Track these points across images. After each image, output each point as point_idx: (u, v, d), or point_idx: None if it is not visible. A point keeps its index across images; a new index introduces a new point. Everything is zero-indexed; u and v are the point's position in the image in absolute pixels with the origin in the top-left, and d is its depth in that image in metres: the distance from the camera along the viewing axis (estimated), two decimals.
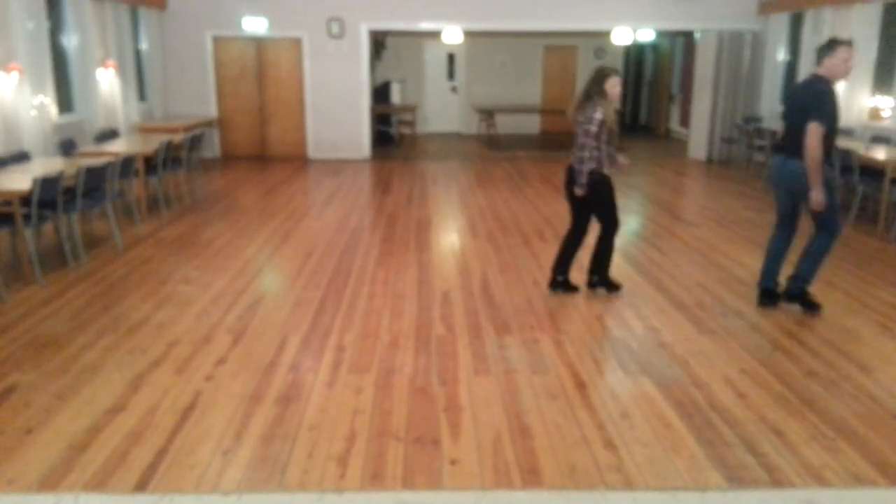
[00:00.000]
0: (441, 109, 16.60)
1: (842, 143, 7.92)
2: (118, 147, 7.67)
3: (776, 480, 2.88)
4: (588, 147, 4.69)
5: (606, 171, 4.77)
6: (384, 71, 15.33)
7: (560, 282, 5.14)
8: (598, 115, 4.64)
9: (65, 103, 8.84)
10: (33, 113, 7.72)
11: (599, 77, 4.72)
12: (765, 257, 4.91)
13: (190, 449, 3.07)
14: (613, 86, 4.67)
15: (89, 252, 6.14)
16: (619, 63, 16.62)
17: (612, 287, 5.13)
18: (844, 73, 4.45)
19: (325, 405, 3.47)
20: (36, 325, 4.47)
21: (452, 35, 12.33)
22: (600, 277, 5.12)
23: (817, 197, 4.41)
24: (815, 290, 5.36)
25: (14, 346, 4.15)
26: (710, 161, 12.01)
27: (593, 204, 4.90)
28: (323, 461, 2.99)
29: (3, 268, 5.68)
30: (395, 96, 14.74)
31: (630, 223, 7.55)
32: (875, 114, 9.28)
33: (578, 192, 4.83)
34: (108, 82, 9.58)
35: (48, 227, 6.33)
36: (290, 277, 5.60)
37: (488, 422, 3.33)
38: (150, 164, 7.61)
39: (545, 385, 3.71)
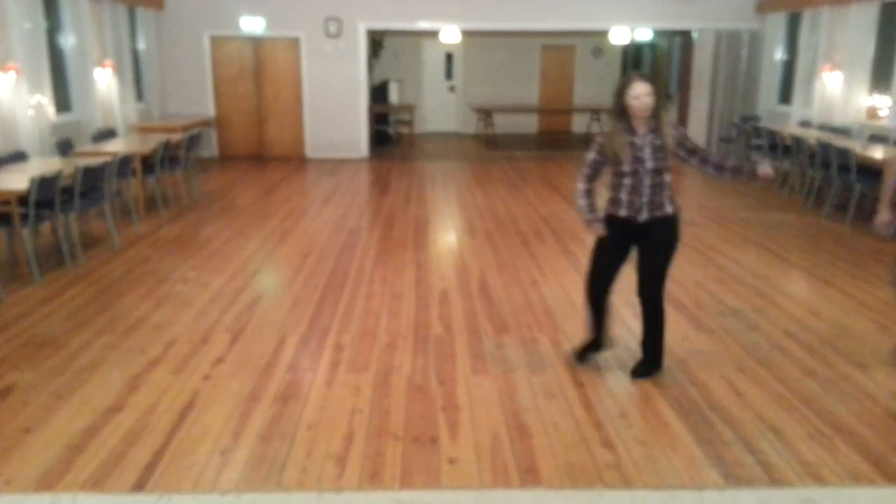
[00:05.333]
0: (439, 109, 16.60)
1: (839, 141, 7.94)
2: (116, 147, 7.66)
3: (774, 479, 2.88)
4: (580, 176, 3.70)
5: (613, 211, 3.64)
6: (382, 70, 15.33)
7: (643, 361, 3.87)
8: (599, 139, 3.62)
9: (62, 103, 8.82)
10: (30, 113, 7.71)
11: (619, 87, 3.51)
12: None
13: (188, 448, 3.07)
14: (636, 97, 3.43)
15: (87, 252, 6.13)
16: (616, 62, 16.65)
17: (580, 355, 3.96)
18: None
19: (323, 404, 3.47)
20: (33, 325, 4.47)
21: (450, 35, 12.33)
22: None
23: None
24: (814, 288, 5.38)
25: (12, 345, 4.15)
26: None
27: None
28: (321, 460, 2.99)
29: (1, 268, 5.67)
30: (393, 96, 14.74)
31: None
32: (872, 113, 9.30)
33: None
34: (105, 82, 9.56)
35: (46, 227, 6.33)
36: (288, 277, 5.60)
37: (486, 421, 3.33)
38: (148, 163, 7.60)
39: (543, 384, 3.71)
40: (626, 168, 3.50)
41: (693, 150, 3.60)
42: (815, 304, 4.96)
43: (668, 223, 3.60)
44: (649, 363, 3.81)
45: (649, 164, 3.49)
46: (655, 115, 3.49)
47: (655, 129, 3.51)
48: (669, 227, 3.61)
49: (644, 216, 3.56)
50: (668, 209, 3.58)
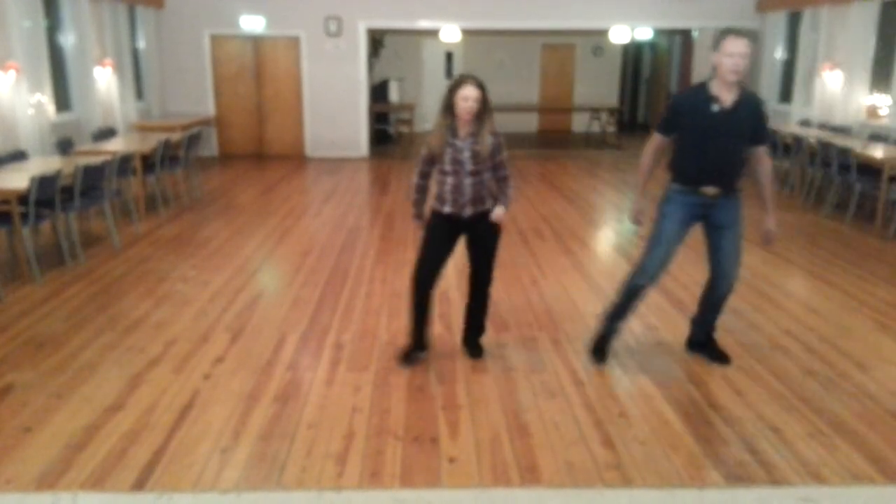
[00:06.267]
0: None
1: (840, 140, 7.94)
2: (116, 146, 7.65)
3: (774, 478, 2.88)
4: (415, 170, 3.83)
5: (438, 207, 3.74)
6: (382, 69, 15.32)
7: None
8: (428, 136, 3.71)
9: (62, 102, 8.82)
10: (31, 112, 7.71)
11: (451, 86, 3.58)
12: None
13: (188, 447, 3.07)
14: (465, 98, 3.50)
15: (87, 251, 6.13)
16: (617, 61, 16.63)
17: (405, 357, 3.95)
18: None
19: (323, 403, 3.48)
20: (33, 324, 4.47)
21: (451, 33, 12.32)
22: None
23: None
24: (814, 288, 5.38)
25: (12, 345, 4.15)
26: None
27: None
28: (321, 459, 2.99)
29: (1, 267, 5.67)
30: (394, 94, 14.73)
31: (627, 223, 7.54)
32: (873, 112, 9.30)
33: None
34: (105, 81, 9.56)
35: (46, 226, 6.32)
36: (288, 276, 5.60)
37: (486, 420, 3.33)
38: (148, 162, 7.59)
39: (543, 383, 3.71)
40: (446, 167, 3.64)
41: (497, 166, 3.69)
42: (814, 303, 4.96)
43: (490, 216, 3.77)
44: (479, 346, 4.05)
45: (468, 167, 3.62)
46: (479, 120, 3.58)
47: (476, 134, 3.60)
48: (491, 221, 3.78)
49: (468, 212, 3.70)
50: (489, 204, 3.74)
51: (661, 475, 2.90)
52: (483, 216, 3.74)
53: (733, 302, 4.92)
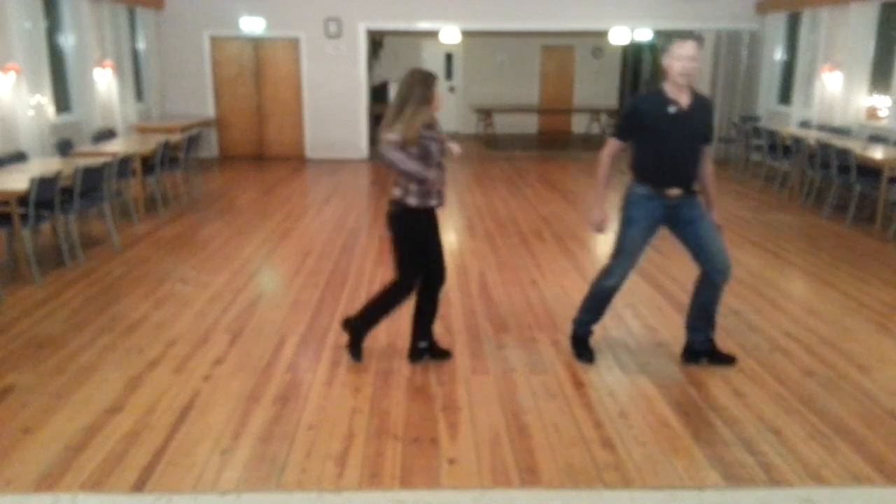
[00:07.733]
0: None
1: (839, 142, 7.94)
2: (115, 147, 7.66)
3: (774, 479, 2.88)
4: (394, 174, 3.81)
5: (413, 202, 3.69)
6: (382, 70, 15.32)
7: (425, 349, 4.00)
8: (395, 136, 3.77)
9: (62, 103, 8.83)
10: (30, 113, 7.71)
11: (428, 80, 3.80)
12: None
13: (188, 449, 3.07)
14: (440, 95, 3.78)
15: (87, 252, 6.13)
16: (616, 63, 16.65)
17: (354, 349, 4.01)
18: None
19: (323, 405, 3.47)
20: (33, 325, 4.47)
21: (450, 35, 12.33)
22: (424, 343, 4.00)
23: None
24: (814, 289, 5.38)
25: (11, 346, 4.15)
26: None
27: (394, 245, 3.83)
28: (321, 460, 2.99)
29: (1, 268, 5.67)
30: (393, 96, 14.73)
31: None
32: (872, 113, 9.30)
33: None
34: (105, 82, 9.57)
35: (46, 227, 6.33)
36: (288, 277, 5.60)
37: (486, 421, 3.33)
38: (148, 163, 7.60)
39: (543, 384, 3.71)
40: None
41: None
42: (814, 305, 4.96)
43: (392, 214, 3.79)
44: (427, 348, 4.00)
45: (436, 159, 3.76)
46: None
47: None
48: (392, 219, 3.79)
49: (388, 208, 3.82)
50: (397, 200, 3.74)
51: (660, 476, 2.90)
52: (391, 211, 3.78)
53: (733, 303, 4.93)
